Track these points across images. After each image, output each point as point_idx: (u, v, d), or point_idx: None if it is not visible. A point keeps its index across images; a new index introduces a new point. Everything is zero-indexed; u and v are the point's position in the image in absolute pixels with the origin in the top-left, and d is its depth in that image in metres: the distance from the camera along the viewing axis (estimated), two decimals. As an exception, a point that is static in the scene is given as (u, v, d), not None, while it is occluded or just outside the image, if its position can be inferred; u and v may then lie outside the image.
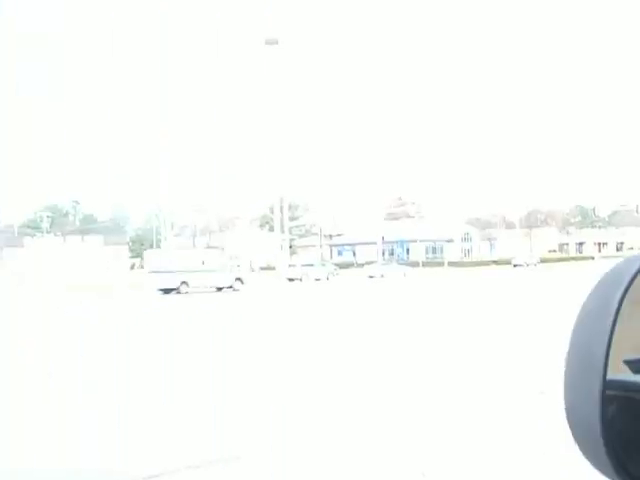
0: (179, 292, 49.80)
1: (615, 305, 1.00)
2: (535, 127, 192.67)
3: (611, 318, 1.00)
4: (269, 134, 54.39)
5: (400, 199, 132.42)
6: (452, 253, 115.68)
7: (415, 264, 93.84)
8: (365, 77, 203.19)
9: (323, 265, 64.12)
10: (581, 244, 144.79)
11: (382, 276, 73.87)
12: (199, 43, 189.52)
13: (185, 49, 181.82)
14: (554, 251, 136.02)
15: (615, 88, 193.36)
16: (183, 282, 50.20)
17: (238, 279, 54.08)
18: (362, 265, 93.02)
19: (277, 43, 65.27)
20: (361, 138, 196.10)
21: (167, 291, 49.93)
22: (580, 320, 1.04)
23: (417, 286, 51.52)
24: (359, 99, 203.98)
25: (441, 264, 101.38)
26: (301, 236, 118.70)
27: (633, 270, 1.04)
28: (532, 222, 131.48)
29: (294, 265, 72.39)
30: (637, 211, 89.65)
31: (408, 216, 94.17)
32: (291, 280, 65.50)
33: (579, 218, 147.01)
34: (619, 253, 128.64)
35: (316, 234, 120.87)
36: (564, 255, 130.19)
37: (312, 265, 73.63)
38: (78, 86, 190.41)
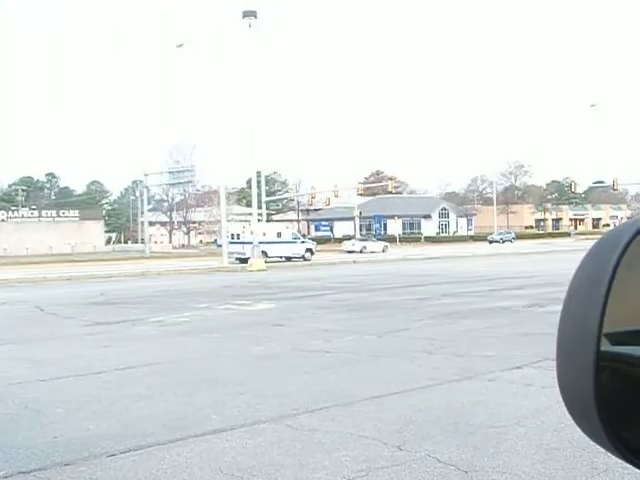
0: None
1: (609, 272, 0.97)
2: (514, 100, 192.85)
3: (605, 285, 0.97)
4: (249, 109, 53.69)
5: (378, 174, 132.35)
6: (429, 229, 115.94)
7: (392, 239, 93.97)
8: (346, 48, 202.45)
9: (303, 241, 65.12)
10: (558, 220, 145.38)
11: (361, 251, 74.96)
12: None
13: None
14: (531, 227, 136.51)
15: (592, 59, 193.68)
16: (263, 252, 52.14)
17: (309, 250, 59.32)
18: (340, 240, 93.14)
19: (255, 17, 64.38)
20: (339, 112, 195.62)
21: (244, 260, 51.71)
22: (573, 287, 1.00)
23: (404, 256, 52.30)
24: (339, 70, 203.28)
25: (418, 239, 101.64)
26: (278, 211, 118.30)
27: (628, 236, 0.99)
28: (509, 198, 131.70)
29: None
30: (613, 188, 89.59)
31: (386, 191, 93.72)
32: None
33: (556, 195, 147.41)
34: (595, 230, 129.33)
35: (293, 209, 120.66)
36: (540, 232, 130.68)
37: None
38: (54, 56, 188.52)
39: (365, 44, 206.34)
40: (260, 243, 52.26)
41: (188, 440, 7.56)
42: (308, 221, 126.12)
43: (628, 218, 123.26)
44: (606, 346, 0.98)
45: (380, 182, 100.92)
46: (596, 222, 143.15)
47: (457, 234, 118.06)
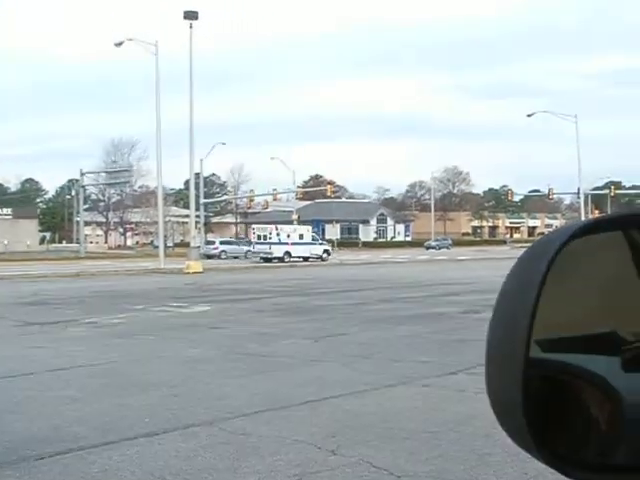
0: (282, 261, 58.95)
1: (539, 278, 0.97)
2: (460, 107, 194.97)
3: (535, 292, 0.97)
4: (188, 109, 53.36)
5: (317, 178, 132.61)
6: (367, 234, 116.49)
7: (330, 244, 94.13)
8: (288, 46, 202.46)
9: (321, 243, 69.42)
10: (494, 228, 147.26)
11: None
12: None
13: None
14: (467, 234, 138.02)
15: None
16: (286, 252, 59.75)
17: (326, 251, 64.69)
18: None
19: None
20: (280, 114, 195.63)
21: (268, 260, 58.93)
22: (503, 294, 1.00)
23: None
24: (280, 67, 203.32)
25: (356, 244, 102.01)
26: (217, 214, 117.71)
27: (559, 242, 1.00)
28: (447, 205, 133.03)
29: (214, 242, 74.92)
30: (549, 197, 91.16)
31: (325, 196, 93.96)
32: (209, 257, 66.66)
33: (493, 203, 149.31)
34: (531, 238, 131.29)
35: (232, 212, 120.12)
36: (477, 239, 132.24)
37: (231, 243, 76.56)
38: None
39: (303, 43, 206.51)
40: (284, 244, 60.24)
41: (120, 443, 7.46)
42: (246, 224, 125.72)
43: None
44: (536, 352, 0.98)
45: (319, 186, 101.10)
46: (532, 230, 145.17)
47: (395, 240, 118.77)
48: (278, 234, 61.06)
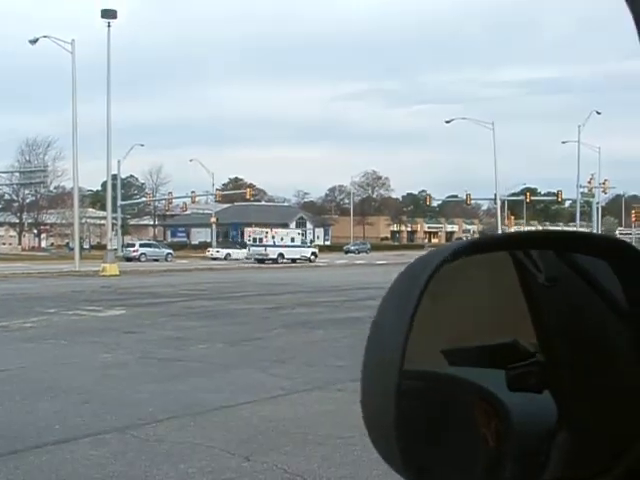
0: (276, 262, 63.02)
1: (415, 295, 0.98)
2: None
3: (410, 309, 0.97)
4: (106, 108, 52.68)
5: (237, 181, 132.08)
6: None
7: (243, 246, 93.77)
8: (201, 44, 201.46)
9: (309, 246, 73.76)
10: (413, 233, 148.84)
11: (225, 258, 75.73)
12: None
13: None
14: (386, 239, 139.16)
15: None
16: (280, 254, 64.61)
17: (313, 253, 69.31)
18: (197, 247, 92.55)
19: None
20: (200, 116, 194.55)
21: (261, 261, 63.89)
22: (380, 310, 1.00)
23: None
24: (196, 67, 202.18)
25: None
26: (134, 216, 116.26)
27: (439, 258, 1.00)
28: (366, 210, 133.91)
29: (134, 244, 74.27)
30: (466, 202, 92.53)
31: (244, 199, 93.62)
32: (129, 260, 66.22)
33: (411, 207, 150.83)
34: (449, 242, 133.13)
35: (150, 214, 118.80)
36: (396, 243, 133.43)
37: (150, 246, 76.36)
38: None
39: (225, 46, 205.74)
40: (278, 246, 65.59)
41: (28, 451, 7.28)
42: (165, 227, 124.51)
43: (480, 232, 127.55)
44: (412, 365, 0.97)
45: (239, 189, 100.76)
46: (450, 235, 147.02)
47: (314, 243, 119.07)
48: (273, 237, 67.15)
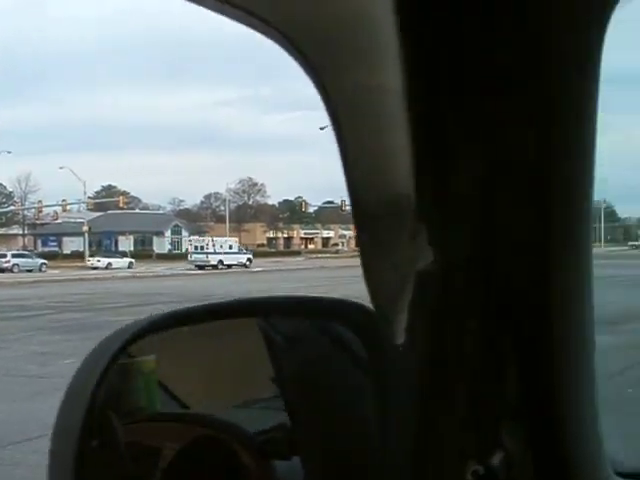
0: (216, 268, 67.35)
1: (95, 380, 1.03)
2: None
3: (92, 386, 1.03)
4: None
5: (110, 189, 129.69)
6: (161, 245, 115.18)
7: (124, 256, 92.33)
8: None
9: (244, 253, 79.01)
10: (289, 239, 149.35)
11: (107, 267, 74.35)
12: None
13: None
14: (263, 245, 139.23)
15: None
16: (220, 261, 69.35)
17: (249, 259, 73.42)
18: (69, 256, 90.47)
19: None
20: (67, 122, 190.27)
21: (202, 267, 67.38)
22: (68, 390, 1.08)
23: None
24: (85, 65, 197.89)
25: (150, 256, 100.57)
26: (2, 225, 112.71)
27: (119, 342, 1.07)
28: (242, 216, 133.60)
29: (5, 255, 72.69)
30: (342, 208, 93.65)
31: (118, 207, 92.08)
32: (1, 271, 64.46)
33: (288, 214, 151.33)
34: (325, 248, 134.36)
35: (19, 223, 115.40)
36: (272, 250, 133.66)
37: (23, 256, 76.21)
38: None
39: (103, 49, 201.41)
40: (218, 253, 70.99)
41: None
42: (35, 236, 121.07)
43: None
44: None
45: (112, 197, 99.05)
46: (326, 241, 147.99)
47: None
48: (214, 245, 73.07)
